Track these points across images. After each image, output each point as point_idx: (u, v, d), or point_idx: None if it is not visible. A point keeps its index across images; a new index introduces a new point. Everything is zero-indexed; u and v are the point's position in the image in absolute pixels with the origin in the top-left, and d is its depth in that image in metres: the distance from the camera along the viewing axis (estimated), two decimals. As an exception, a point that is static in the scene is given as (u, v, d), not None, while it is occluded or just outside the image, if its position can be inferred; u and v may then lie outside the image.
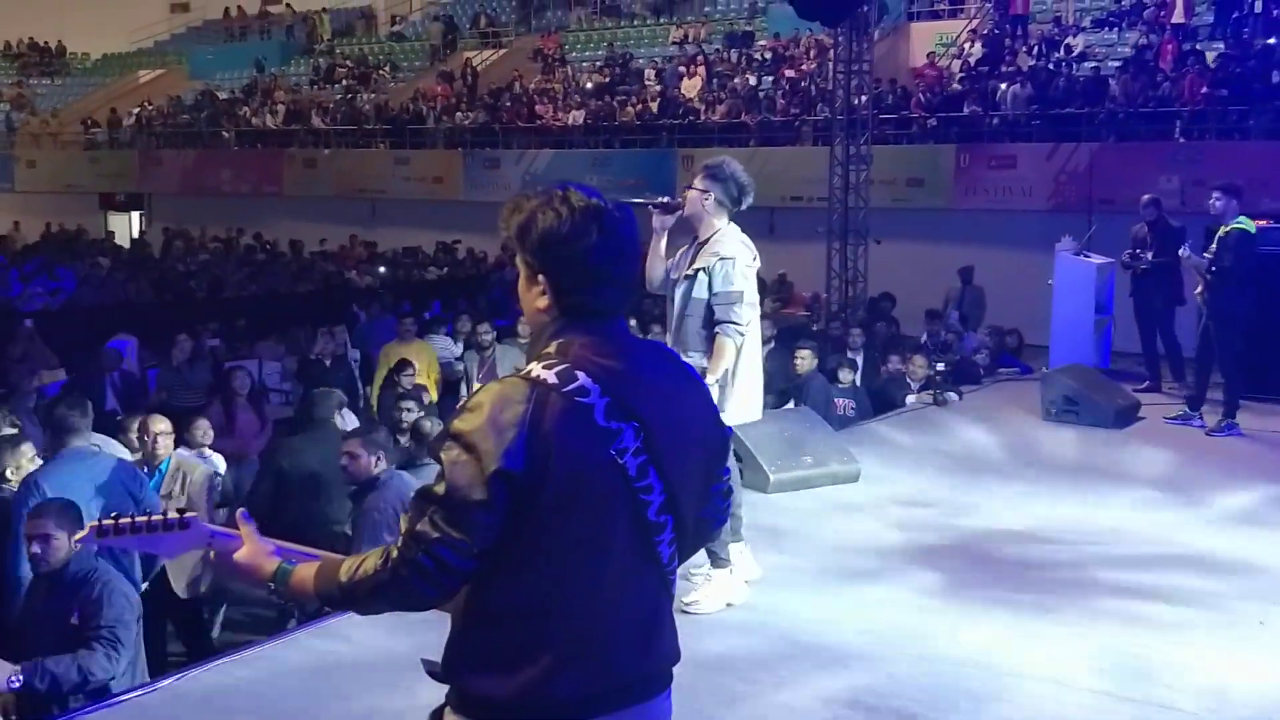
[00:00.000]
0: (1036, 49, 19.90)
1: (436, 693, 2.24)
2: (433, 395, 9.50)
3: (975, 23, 22.07)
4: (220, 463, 7.22)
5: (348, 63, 30.45)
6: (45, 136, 32.30)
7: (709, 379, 4.77)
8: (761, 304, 5.58)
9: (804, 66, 21.91)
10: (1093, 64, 18.84)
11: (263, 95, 29.38)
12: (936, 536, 6.43)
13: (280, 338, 12.68)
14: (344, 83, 29.04)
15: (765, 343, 7.32)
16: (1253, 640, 5.00)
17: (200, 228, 25.06)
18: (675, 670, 2.29)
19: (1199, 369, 9.23)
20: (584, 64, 26.39)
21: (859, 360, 10.53)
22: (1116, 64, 18.68)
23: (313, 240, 22.30)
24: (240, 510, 2.46)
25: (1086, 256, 11.26)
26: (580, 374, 2.12)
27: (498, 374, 8.84)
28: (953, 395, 9.84)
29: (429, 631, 2.44)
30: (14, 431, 6.29)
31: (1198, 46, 18.39)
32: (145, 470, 5.93)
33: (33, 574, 4.58)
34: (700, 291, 5.00)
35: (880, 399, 9.91)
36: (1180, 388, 10.18)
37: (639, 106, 22.68)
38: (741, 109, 21.21)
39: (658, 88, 23.18)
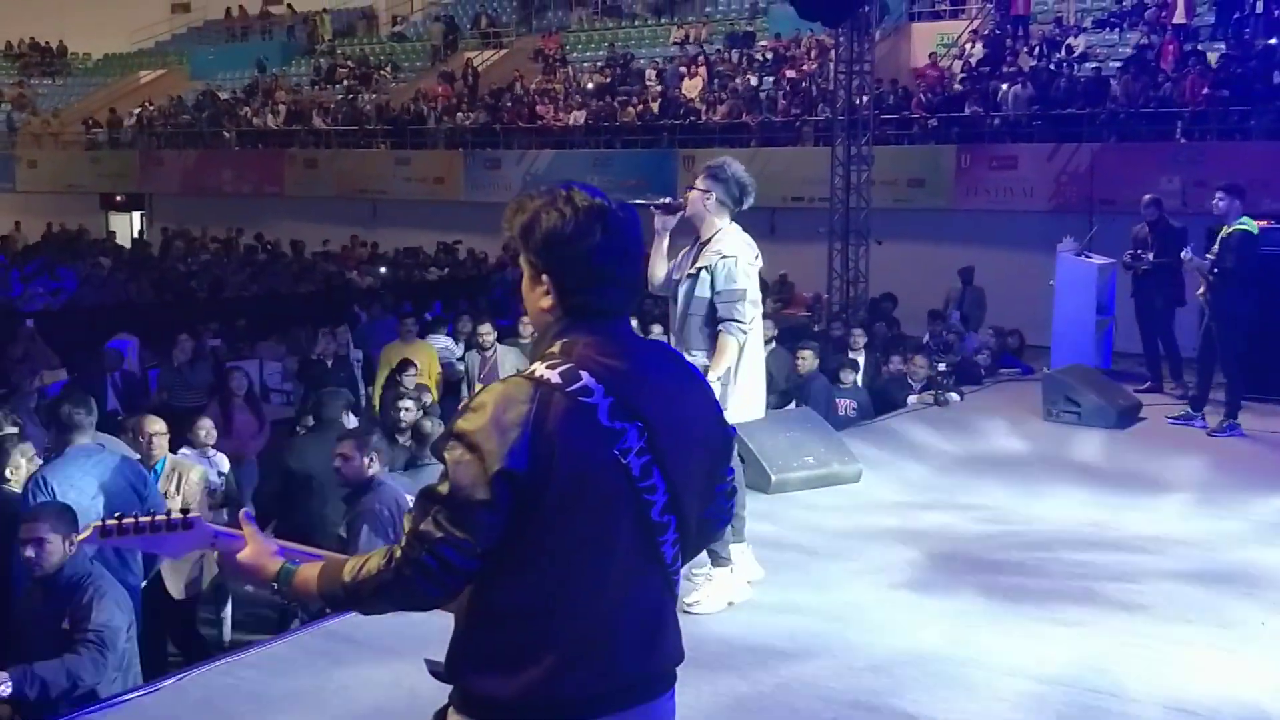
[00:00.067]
0: (1037, 49, 19.90)
1: (439, 693, 2.24)
2: (434, 395, 9.50)
3: (976, 23, 22.07)
4: (224, 463, 7.22)
5: (349, 63, 30.46)
6: (46, 136, 32.31)
7: (710, 376, 4.77)
8: (763, 304, 5.58)
9: (805, 67, 21.92)
10: (1094, 64, 18.84)
11: (264, 95, 29.39)
12: (938, 537, 6.42)
13: (281, 338, 12.70)
14: (345, 83, 29.06)
15: (766, 343, 7.31)
16: (1254, 641, 4.99)
17: (201, 228, 25.09)
18: (678, 670, 2.28)
19: (1201, 369, 9.23)
20: (585, 64, 26.40)
21: (860, 360, 10.53)
22: (1118, 64, 18.68)
23: (313, 241, 22.31)
24: (243, 510, 2.46)
25: (1088, 257, 11.27)
26: (584, 374, 2.12)
27: (499, 374, 8.84)
28: (954, 396, 9.85)
29: (432, 631, 2.44)
30: (14, 431, 6.29)
31: (1199, 47, 18.38)
32: (142, 470, 5.92)
33: (27, 578, 4.55)
34: (703, 290, 5.00)
35: (882, 399, 9.92)
36: (1178, 387, 10.19)
37: (640, 107, 22.68)
38: (742, 109, 21.21)
39: (659, 88, 23.18)
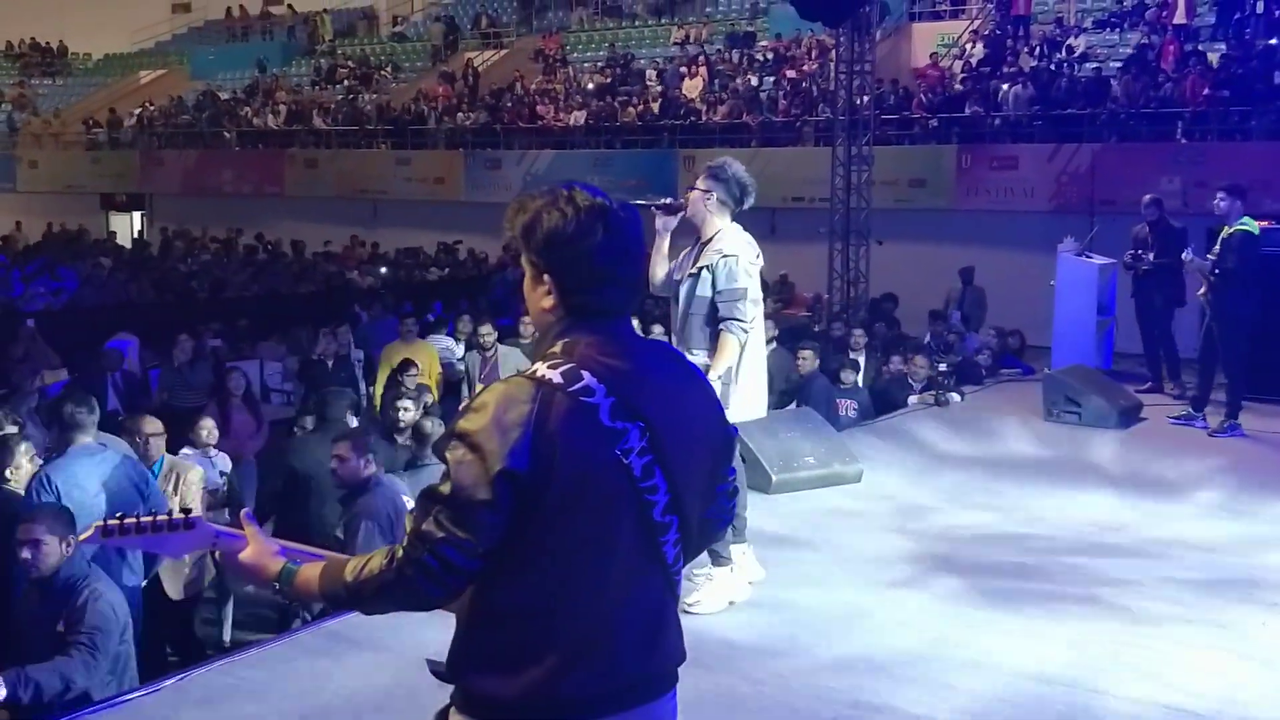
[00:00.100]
0: (1038, 49, 19.89)
1: (441, 693, 2.24)
2: (434, 395, 9.50)
3: (977, 23, 22.06)
4: (226, 462, 7.23)
5: (349, 63, 30.46)
6: (47, 137, 32.31)
7: (711, 375, 4.78)
8: (764, 303, 5.58)
9: (805, 67, 21.91)
10: (1094, 65, 18.83)
11: (264, 96, 29.39)
12: (939, 537, 6.43)
13: (282, 338, 12.69)
14: (345, 83, 29.06)
15: (767, 343, 7.31)
16: (1255, 642, 4.99)
17: (202, 228, 25.08)
18: (679, 670, 2.28)
19: (1202, 370, 9.24)
20: (585, 64, 26.40)
21: (861, 361, 10.54)
22: (1118, 65, 18.67)
23: (314, 241, 22.30)
24: (244, 510, 2.46)
25: (1088, 257, 11.27)
26: (585, 374, 2.12)
27: (500, 374, 8.84)
28: (955, 396, 9.85)
29: (434, 631, 2.44)
30: (14, 430, 6.29)
31: (1199, 47, 18.38)
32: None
33: (24, 579, 4.52)
34: (704, 289, 5.01)
35: (882, 400, 9.91)
36: (1175, 388, 10.19)
37: (640, 107, 22.68)
38: (743, 109, 21.21)
39: (659, 88, 23.18)
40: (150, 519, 2.30)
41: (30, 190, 31.26)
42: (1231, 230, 8.69)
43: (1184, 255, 9.20)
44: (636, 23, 28.64)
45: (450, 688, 2.20)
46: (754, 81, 22.16)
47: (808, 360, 9.43)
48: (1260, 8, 18.75)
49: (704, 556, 4.90)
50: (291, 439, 7.59)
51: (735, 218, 5.16)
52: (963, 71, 20.31)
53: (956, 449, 8.49)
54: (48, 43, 37.78)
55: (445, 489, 2.09)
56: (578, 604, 2.11)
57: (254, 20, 36.12)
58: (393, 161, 25.24)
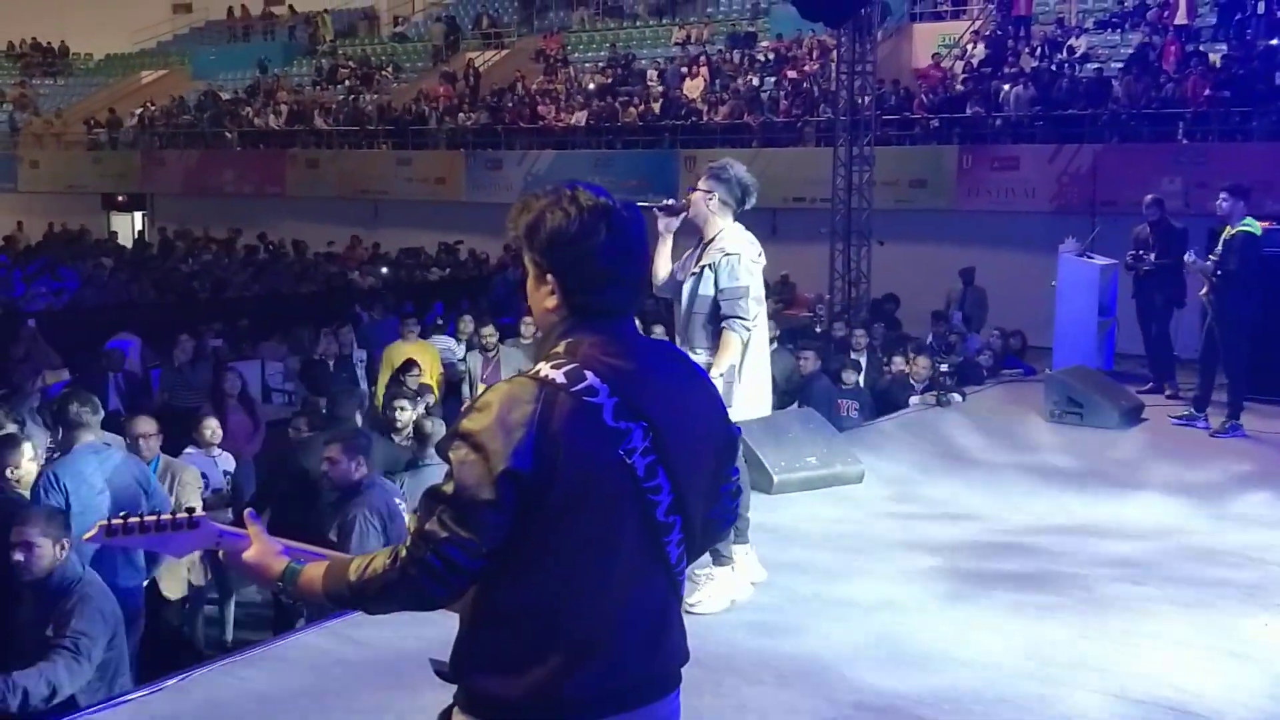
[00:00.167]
0: (1039, 50, 19.89)
1: (443, 693, 2.24)
2: (436, 396, 9.50)
3: (978, 24, 22.06)
4: (229, 461, 7.23)
5: (350, 63, 30.47)
6: (48, 137, 32.32)
7: (713, 373, 4.78)
8: (766, 302, 5.58)
9: (806, 67, 21.92)
10: (1095, 65, 18.83)
11: (265, 96, 29.40)
12: (940, 538, 6.42)
13: (283, 338, 12.70)
14: (346, 83, 29.07)
15: (769, 342, 7.32)
16: (1257, 643, 4.99)
17: (203, 228, 25.08)
18: (681, 671, 2.28)
19: (1203, 370, 9.24)
20: (586, 65, 26.40)
21: (863, 361, 10.54)
22: (1119, 65, 18.66)
23: (314, 241, 22.30)
24: (248, 510, 2.46)
25: (1090, 258, 11.27)
26: (589, 374, 2.12)
27: (501, 375, 8.84)
28: (956, 396, 9.84)
29: (436, 631, 2.44)
30: (14, 429, 6.30)
31: (1201, 48, 18.38)
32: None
33: (18, 582, 4.46)
34: (706, 288, 5.01)
35: (884, 400, 9.92)
36: (1167, 388, 10.20)
37: (641, 107, 22.69)
38: (744, 110, 21.21)
39: (660, 88, 23.18)
40: (154, 518, 2.30)
41: (31, 190, 31.27)
42: (1234, 231, 8.69)
43: (1186, 257, 9.20)
44: (637, 23, 28.64)
45: (453, 688, 2.20)
46: (755, 82, 22.16)
47: (809, 361, 9.43)
48: (1261, 8, 18.75)
49: (705, 556, 4.90)
50: (301, 439, 7.58)
51: (737, 218, 5.17)
52: (964, 72, 20.31)
53: (958, 450, 8.49)
54: (49, 43, 37.80)
55: (449, 489, 2.09)
56: (581, 604, 2.11)
57: (255, 20, 36.14)
58: (394, 162, 25.25)
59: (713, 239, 5.09)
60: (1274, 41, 17.67)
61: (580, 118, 23.25)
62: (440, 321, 12.90)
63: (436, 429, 6.57)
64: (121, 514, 2.33)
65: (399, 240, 22.24)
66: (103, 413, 5.52)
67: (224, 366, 10.00)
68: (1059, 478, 7.77)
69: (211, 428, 7.15)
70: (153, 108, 30.88)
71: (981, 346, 11.91)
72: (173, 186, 28.83)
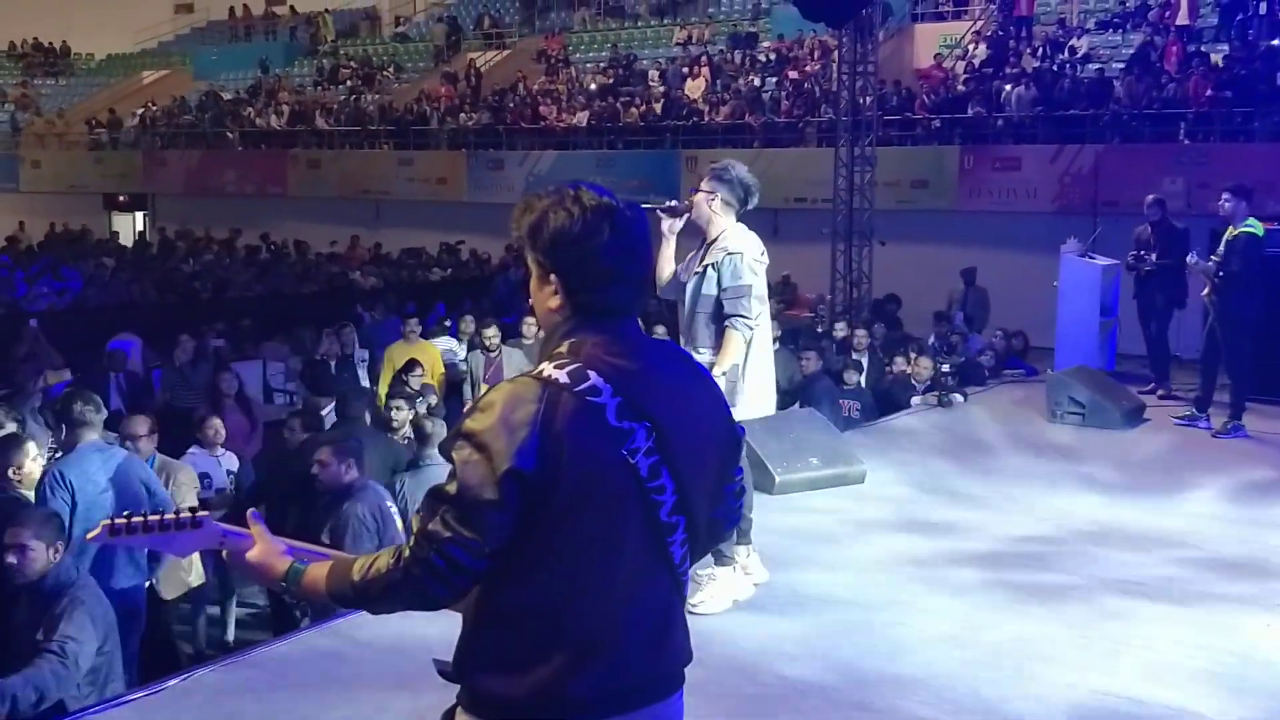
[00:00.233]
0: (1041, 50, 19.89)
1: (446, 693, 2.24)
2: (438, 396, 9.50)
3: (980, 24, 22.05)
4: (233, 461, 7.23)
5: (352, 63, 30.48)
6: (50, 137, 32.34)
7: (716, 372, 4.79)
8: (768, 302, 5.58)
9: (808, 68, 21.91)
10: (1097, 65, 18.83)
11: (267, 96, 29.41)
12: (942, 538, 6.42)
13: (285, 339, 12.69)
14: (348, 83, 29.08)
15: (772, 342, 7.32)
16: (1259, 643, 4.98)
17: (205, 228, 25.09)
18: (684, 671, 2.28)
19: (1205, 371, 9.24)
20: (588, 65, 26.41)
21: (864, 362, 10.54)
22: (1121, 65, 18.66)
23: (315, 241, 22.28)
24: (251, 510, 2.46)
25: (1091, 259, 11.26)
26: (592, 373, 2.12)
27: (503, 375, 8.84)
28: (958, 397, 9.85)
29: (439, 631, 2.44)
30: (14, 428, 6.30)
31: (1202, 48, 18.37)
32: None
33: (11, 585, 4.44)
34: (709, 288, 5.02)
35: (886, 400, 9.92)
36: (1160, 388, 10.21)
37: (643, 108, 22.69)
38: (745, 110, 21.20)
39: (661, 89, 23.18)
40: (158, 518, 2.30)
41: (33, 190, 31.28)
42: (1236, 232, 8.69)
43: (1189, 258, 9.20)
44: (639, 23, 28.65)
45: (457, 687, 2.20)
46: (756, 82, 22.16)
47: (811, 361, 9.43)
48: (1263, 9, 18.75)
49: (707, 556, 4.90)
50: (294, 440, 7.57)
51: (739, 219, 5.18)
52: (965, 72, 20.31)
53: (960, 450, 8.48)
54: (51, 43, 37.82)
55: (452, 489, 2.09)
56: (584, 604, 2.11)
57: (257, 20, 36.16)
58: (395, 162, 25.26)
59: (715, 239, 5.10)
60: (1276, 42, 17.66)
61: (582, 118, 23.25)
62: (448, 324, 12.89)
63: (437, 429, 6.56)
64: (125, 513, 2.32)
65: (401, 240, 22.25)
66: (105, 412, 5.52)
67: (224, 367, 9.99)
68: (1061, 479, 7.77)
69: (215, 427, 7.15)
70: (154, 108, 30.90)
71: (983, 347, 11.91)
72: (174, 186, 28.84)
